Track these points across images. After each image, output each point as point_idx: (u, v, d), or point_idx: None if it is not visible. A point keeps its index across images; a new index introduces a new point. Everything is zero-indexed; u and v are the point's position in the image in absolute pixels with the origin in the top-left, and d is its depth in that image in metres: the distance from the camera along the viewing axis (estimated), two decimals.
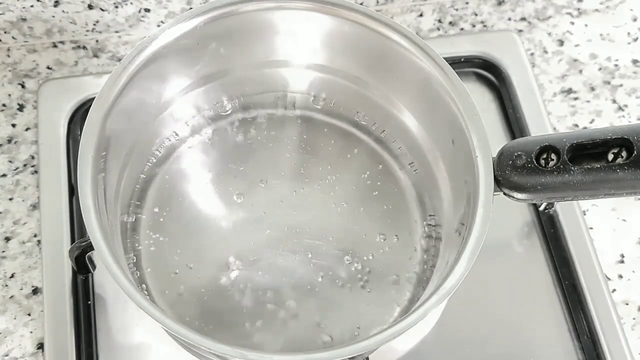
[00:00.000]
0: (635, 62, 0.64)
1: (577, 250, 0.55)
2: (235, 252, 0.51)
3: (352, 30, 0.50)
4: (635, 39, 0.65)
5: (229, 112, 0.55)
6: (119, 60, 0.60)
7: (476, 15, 0.66)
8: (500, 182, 0.45)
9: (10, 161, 0.58)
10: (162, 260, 0.50)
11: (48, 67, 0.62)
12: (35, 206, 0.56)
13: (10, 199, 0.57)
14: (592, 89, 0.63)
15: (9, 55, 0.63)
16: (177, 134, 0.54)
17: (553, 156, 0.44)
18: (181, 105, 0.53)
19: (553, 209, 0.56)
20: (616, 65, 0.64)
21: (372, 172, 0.54)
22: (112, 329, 0.52)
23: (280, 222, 0.52)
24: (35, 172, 0.58)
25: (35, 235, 0.55)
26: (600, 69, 0.64)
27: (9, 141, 0.59)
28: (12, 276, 0.54)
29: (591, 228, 0.57)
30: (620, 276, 0.56)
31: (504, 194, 0.45)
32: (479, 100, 0.61)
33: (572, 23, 0.66)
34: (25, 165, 0.58)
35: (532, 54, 0.64)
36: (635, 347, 0.53)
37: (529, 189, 0.44)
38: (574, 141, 0.43)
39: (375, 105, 0.54)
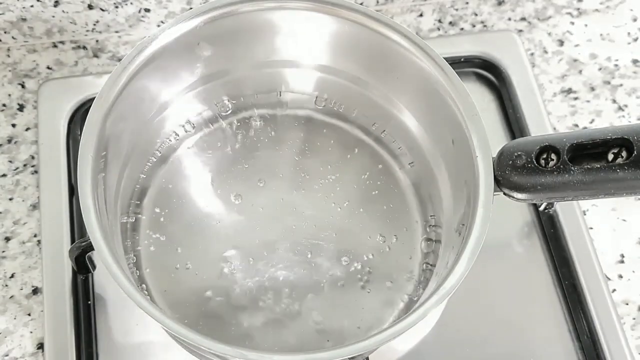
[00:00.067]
0: (635, 62, 0.64)
1: (577, 250, 0.55)
2: (236, 252, 0.51)
3: (352, 30, 0.50)
4: (635, 39, 0.65)
5: (229, 112, 0.55)
6: (119, 60, 0.60)
7: (476, 15, 0.66)
8: (500, 182, 0.45)
9: (10, 161, 0.58)
10: (162, 260, 0.50)
11: (48, 67, 0.62)
12: (35, 206, 0.56)
13: (10, 199, 0.57)
14: (592, 89, 0.63)
15: (9, 55, 0.63)
16: (177, 134, 0.54)
17: (553, 156, 0.44)
18: (181, 105, 0.53)
19: (553, 209, 0.56)
20: (616, 65, 0.64)
21: (372, 172, 0.54)
22: (112, 329, 0.52)
23: (281, 222, 0.52)
24: (35, 172, 0.58)
25: (35, 235, 0.55)
26: (600, 69, 0.64)
27: (9, 141, 0.59)
28: (12, 276, 0.54)
29: (591, 228, 0.57)
30: (620, 276, 0.56)
31: (504, 194, 0.45)
32: (479, 100, 0.61)
33: (572, 23, 0.66)
34: (25, 165, 0.58)
35: (532, 54, 0.64)
36: (635, 347, 0.53)
37: (529, 189, 0.44)
38: (574, 141, 0.43)
39: (375, 105, 0.54)
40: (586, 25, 0.66)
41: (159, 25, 0.64)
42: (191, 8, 0.59)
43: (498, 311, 0.53)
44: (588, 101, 0.62)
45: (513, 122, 0.60)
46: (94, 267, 0.53)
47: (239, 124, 0.55)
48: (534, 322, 0.53)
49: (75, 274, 0.53)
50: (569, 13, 0.66)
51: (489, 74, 0.62)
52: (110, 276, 0.41)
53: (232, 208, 0.52)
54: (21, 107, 0.61)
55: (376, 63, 0.52)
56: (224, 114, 0.55)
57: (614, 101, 0.62)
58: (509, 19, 0.66)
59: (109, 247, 0.42)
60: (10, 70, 0.62)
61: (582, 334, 0.53)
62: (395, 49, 0.49)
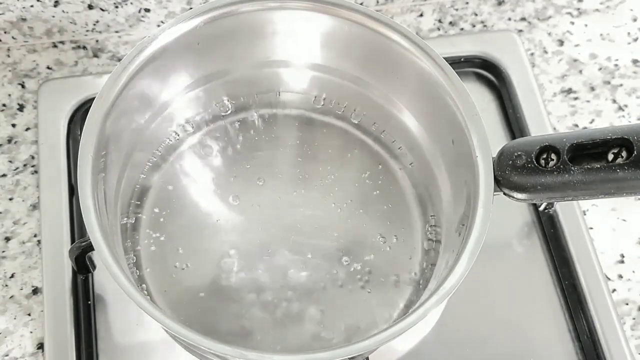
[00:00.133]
0: (635, 62, 0.64)
1: (577, 250, 0.55)
2: (236, 252, 0.51)
3: (352, 30, 0.50)
4: (635, 39, 0.65)
5: (229, 112, 0.55)
6: (119, 60, 0.60)
7: (476, 15, 0.66)
8: (500, 182, 0.45)
9: (10, 161, 0.58)
10: (162, 260, 0.50)
11: (48, 67, 0.62)
12: (35, 206, 0.56)
13: (10, 199, 0.57)
14: (592, 89, 0.63)
15: (9, 55, 0.63)
16: (177, 134, 0.54)
17: (553, 156, 0.44)
18: (181, 105, 0.53)
19: (553, 209, 0.56)
20: (616, 65, 0.64)
21: (372, 172, 0.54)
22: (112, 329, 0.52)
23: (280, 222, 0.52)
24: (35, 172, 0.58)
25: (35, 235, 0.55)
26: (600, 69, 0.64)
27: (9, 141, 0.59)
28: (12, 276, 0.54)
29: (591, 228, 0.57)
30: (620, 276, 0.56)
31: (504, 194, 0.45)
32: (479, 100, 0.61)
33: (572, 23, 0.66)
34: (25, 165, 0.58)
35: (532, 54, 0.64)
36: (635, 347, 0.53)
37: (529, 189, 0.44)
38: (574, 141, 0.43)
39: (375, 105, 0.54)
40: (586, 25, 0.66)
41: (159, 25, 0.64)
42: (191, 8, 0.59)
43: (498, 311, 0.53)
44: (588, 101, 0.62)
45: (513, 122, 0.60)
46: (94, 267, 0.53)
47: (238, 124, 0.55)
48: (534, 322, 0.53)
49: (75, 274, 0.53)
50: (569, 13, 0.66)
51: (489, 74, 0.62)
52: (110, 276, 0.41)
53: (232, 208, 0.52)
54: (21, 107, 0.61)
55: (376, 63, 0.52)
56: (223, 114, 0.55)
57: (614, 101, 0.62)
58: (509, 19, 0.66)
59: (109, 247, 0.42)
60: (10, 70, 0.62)
61: (582, 334, 0.53)
62: (395, 49, 0.49)
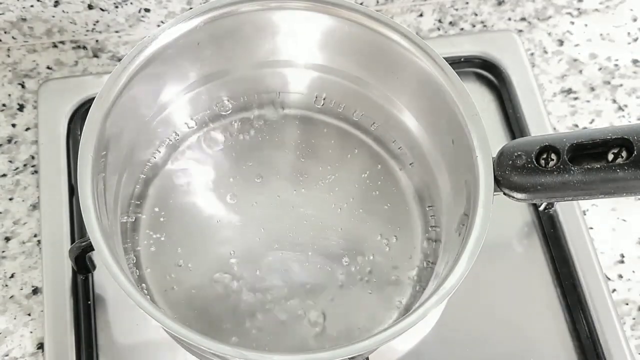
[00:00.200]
0: (635, 62, 0.64)
1: (577, 250, 0.55)
2: (236, 252, 0.51)
3: (352, 30, 0.50)
4: (635, 39, 0.65)
5: (229, 112, 0.55)
6: (119, 60, 0.60)
7: (476, 15, 0.66)
8: (500, 182, 0.45)
9: (10, 161, 0.58)
10: (162, 260, 0.50)
11: (48, 67, 0.62)
12: (35, 206, 0.56)
13: (10, 199, 0.57)
14: (592, 89, 0.63)
15: (9, 55, 0.63)
16: (177, 134, 0.54)
17: (553, 156, 0.44)
18: (181, 105, 0.53)
19: (553, 209, 0.56)
20: (616, 65, 0.64)
21: (372, 172, 0.54)
22: (112, 329, 0.52)
23: (281, 222, 0.52)
24: (35, 172, 0.58)
25: (35, 235, 0.55)
26: (600, 69, 0.64)
27: (9, 141, 0.59)
28: (12, 276, 0.54)
29: (591, 228, 0.57)
30: (620, 276, 0.56)
31: (504, 194, 0.45)
32: (479, 100, 0.61)
33: (572, 23, 0.66)
34: (25, 165, 0.58)
35: (532, 54, 0.64)
36: (635, 347, 0.53)
37: (529, 189, 0.44)
38: (574, 141, 0.43)
39: (375, 105, 0.54)
40: (586, 25, 0.66)
41: (159, 25, 0.64)
42: (191, 8, 0.59)
43: (498, 311, 0.53)
44: (588, 101, 0.62)
45: (513, 122, 0.60)
46: (94, 267, 0.53)
47: (239, 124, 0.55)
48: (534, 322, 0.53)
49: (75, 274, 0.53)
50: (569, 13, 0.66)
51: (489, 74, 0.62)
52: (110, 276, 0.41)
53: (232, 208, 0.52)
54: (21, 107, 0.61)
55: (376, 63, 0.52)
56: (223, 114, 0.55)
57: (614, 101, 0.62)
58: (509, 19, 0.66)
59: (109, 247, 0.42)
60: (10, 70, 0.62)
61: (582, 334, 0.53)
62: (395, 49, 0.49)
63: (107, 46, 0.64)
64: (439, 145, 0.51)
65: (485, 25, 0.66)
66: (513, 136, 0.60)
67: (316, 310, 0.49)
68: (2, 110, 0.60)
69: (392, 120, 0.54)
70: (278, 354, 0.43)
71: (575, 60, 0.64)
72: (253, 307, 0.49)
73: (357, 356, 0.41)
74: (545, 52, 0.64)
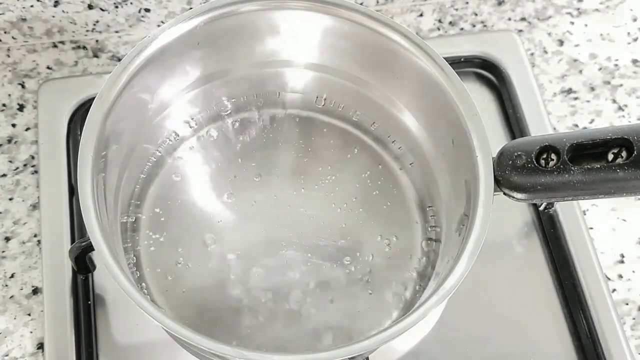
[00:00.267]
0: (635, 62, 0.64)
1: (577, 250, 0.55)
2: (236, 252, 0.51)
3: (352, 30, 0.50)
4: (635, 39, 0.65)
5: (229, 112, 0.55)
6: (119, 60, 0.60)
7: (476, 15, 0.66)
8: (500, 182, 0.45)
9: (10, 161, 0.58)
10: (162, 260, 0.50)
11: (48, 67, 0.62)
12: (35, 206, 0.56)
13: (10, 199, 0.57)
14: (592, 89, 0.63)
15: (9, 55, 0.63)
16: (177, 134, 0.54)
17: (553, 156, 0.44)
18: (181, 105, 0.53)
19: (553, 209, 0.56)
20: (616, 65, 0.64)
21: (372, 172, 0.54)
22: (112, 329, 0.52)
23: (281, 222, 0.52)
24: (35, 172, 0.58)
25: (35, 235, 0.55)
26: (600, 69, 0.64)
27: (9, 141, 0.59)
28: (12, 276, 0.54)
29: (591, 228, 0.57)
30: (620, 276, 0.56)
31: (504, 194, 0.45)
32: (479, 100, 0.61)
33: (572, 23, 0.66)
34: (25, 165, 0.58)
35: (532, 54, 0.64)
36: (635, 347, 0.53)
37: (529, 189, 0.44)
38: (574, 141, 0.43)
39: (375, 105, 0.54)
40: (586, 25, 0.66)
41: (159, 25, 0.64)
42: (191, 8, 0.59)
43: (498, 311, 0.53)
44: (588, 101, 0.62)
45: (513, 122, 0.60)
46: (94, 267, 0.53)
47: (239, 124, 0.55)
48: (534, 322, 0.53)
49: (75, 274, 0.53)
50: (569, 13, 0.66)
51: (489, 74, 0.62)
52: (110, 276, 0.41)
53: (232, 208, 0.52)
54: (21, 107, 0.61)
55: (376, 63, 0.52)
56: (223, 114, 0.55)
57: (614, 101, 0.62)
58: (509, 19, 0.66)
59: (109, 247, 0.42)
60: (10, 70, 0.62)
61: (582, 334, 0.53)
62: (395, 49, 0.49)
63: (107, 46, 0.64)
64: (439, 145, 0.51)
65: (485, 25, 0.66)
66: (513, 136, 0.60)
67: (316, 309, 0.49)
68: (2, 110, 0.60)
69: (392, 120, 0.54)
70: (278, 354, 0.43)
71: (575, 60, 0.64)
72: (253, 307, 0.49)
73: (357, 356, 0.41)
74: (545, 52, 0.65)
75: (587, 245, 0.55)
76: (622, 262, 0.56)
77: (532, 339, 0.53)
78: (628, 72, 0.64)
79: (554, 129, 0.61)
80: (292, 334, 0.49)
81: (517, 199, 0.45)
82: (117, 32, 0.64)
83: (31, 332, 0.52)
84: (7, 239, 0.55)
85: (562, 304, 0.54)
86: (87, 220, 0.42)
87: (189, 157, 0.54)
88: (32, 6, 0.60)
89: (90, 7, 0.61)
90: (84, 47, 0.63)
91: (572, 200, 0.49)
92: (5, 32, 0.62)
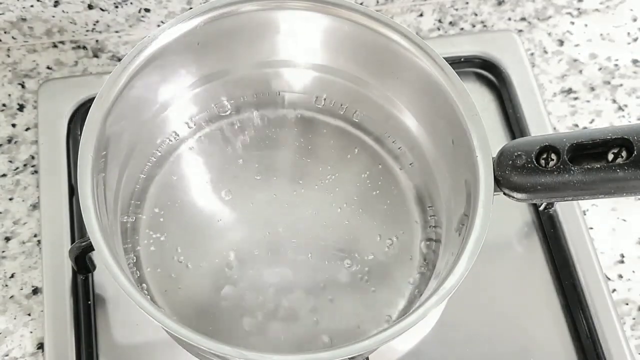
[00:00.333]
0: (635, 62, 0.64)
1: (577, 250, 0.55)
2: (236, 252, 0.51)
3: (352, 30, 0.50)
4: (635, 39, 0.65)
5: (229, 112, 0.55)
6: (119, 60, 0.60)
7: (476, 15, 0.66)
8: (500, 182, 0.45)
9: (10, 161, 0.58)
10: (162, 260, 0.50)
11: (48, 67, 0.62)
12: (35, 206, 0.56)
13: (10, 199, 0.57)
14: (592, 89, 0.63)
15: (9, 55, 0.63)
16: (177, 134, 0.54)
17: (553, 156, 0.44)
18: (181, 105, 0.53)
19: (553, 209, 0.56)
20: (616, 65, 0.64)
21: (372, 172, 0.54)
22: (112, 329, 0.52)
23: (281, 222, 0.52)
24: (35, 172, 0.58)
25: (35, 235, 0.55)
26: (600, 69, 0.64)
27: (9, 141, 0.59)
28: (12, 276, 0.54)
29: (591, 228, 0.57)
30: (620, 276, 0.56)
31: (504, 194, 0.45)
32: (479, 100, 0.61)
33: (572, 23, 0.66)
34: (25, 165, 0.58)
35: (532, 54, 0.64)
36: (635, 347, 0.53)
37: (529, 189, 0.44)
38: (574, 141, 0.43)
39: (375, 105, 0.54)
40: (586, 25, 0.66)
41: (159, 25, 0.64)
42: (191, 8, 0.59)
43: (498, 311, 0.53)
44: (588, 101, 0.62)
45: (513, 122, 0.60)
46: (94, 267, 0.53)
47: (239, 124, 0.55)
48: (534, 322, 0.53)
49: (75, 274, 0.53)
50: (569, 13, 0.66)
51: (489, 74, 0.62)
52: (110, 276, 0.41)
53: (231, 208, 0.52)
54: (21, 107, 0.61)
55: (376, 63, 0.52)
56: (223, 114, 0.55)
57: (614, 101, 0.62)
58: (509, 19, 0.66)
59: (109, 247, 0.42)
60: (10, 70, 0.62)
61: (582, 334, 0.53)
62: (395, 49, 0.49)
63: (107, 46, 0.64)
64: (439, 145, 0.51)
65: (485, 25, 0.66)
66: (513, 136, 0.60)
67: (316, 309, 0.49)
68: (2, 110, 0.60)
69: (392, 120, 0.54)
70: (278, 354, 0.43)
71: (575, 60, 0.64)
72: (253, 307, 0.49)
73: (357, 356, 0.41)
74: (545, 52, 0.65)
75: (587, 245, 0.55)
76: (622, 262, 0.56)
77: (532, 339, 0.53)
78: (628, 72, 0.64)
79: (554, 129, 0.61)
80: (292, 333, 0.49)
81: (517, 199, 0.45)
82: (117, 32, 0.64)
83: (31, 332, 0.52)
84: (7, 239, 0.55)
85: (562, 304, 0.54)
86: (87, 220, 0.42)
87: (189, 157, 0.54)
88: (32, 6, 0.60)
89: (90, 7, 0.61)
90: (84, 47, 0.63)
91: (572, 200, 0.49)
92: (5, 32, 0.62)
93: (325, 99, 0.55)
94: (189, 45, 0.50)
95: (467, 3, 0.66)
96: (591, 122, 0.61)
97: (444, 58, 0.48)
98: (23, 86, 0.61)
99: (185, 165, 0.54)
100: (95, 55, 0.63)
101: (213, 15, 0.49)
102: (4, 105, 0.61)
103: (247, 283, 0.50)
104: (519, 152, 0.44)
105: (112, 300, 0.53)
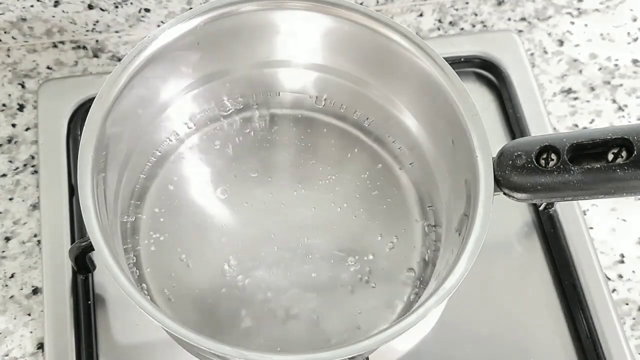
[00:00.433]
0: (635, 62, 0.64)
1: (577, 250, 0.55)
2: (236, 252, 0.51)
3: (352, 30, 0.50)
4: (635, 39, 0.65)
5: (229, 112, 0.55)
6: (119, 60, 0.60)
7: (476, 15, 0.66)
8: (500, 182, 0.45)
9: (10, 161, 0.58)
10: (162, 260, 0.50)
11: (48, 67, 0.62)
12: (35, 206, 0.56)
13: (10, 199, 0.57)
14: (592, 89, 0.63)
15: (9, 55, 0.63)
16: (177, 134, 0.54)
17: (553, 156, 0.44)
18: (181, 105, 0.53)
19: (553, 209, 0.56)
20: (616, 65, 0.64)
21: (372, 172, 0.54)
22: (112, 329, 0.52)
23: (281, 222, 0.52)
24: (35, 172, 0.58)
25: (35, 235, 0.55)
26: (600, 69, 0.64)
27: (9, 141, 0.59)
28: (12, 276, 0.54)
29: (591, 228, 0.57)
30: (620, 276, 0.56)
31: (504, 194, 0.45)
32: (479, 100, 0.61)
33: (572, 23, 0.66)
34: (25, 165, 0.58)
35: (532, 54, 0.64)
36: (635, 347, 0.53)
37: (529, 189, 0.44)
38: (574, 141, 0.43)
39: (375, 105, 0.54)
40: (586, 25, 0.66)
41: (159, 25, 0.64)
42: (191, 8, 0.59)
43: (498, 311, 0.53)
44: (588, 101, 0.62)
45: (513, 122, 0.60)
46: (94, 267, 0.53)
47: (239, 124, 0.55)
48: (534, 322, 0.53)
49: (75, 274, 0.53)
50: (569, 13, 0.66)
51: (489, 74, 0.62)
52: (110, 276, 0.41)
53: (231, 208, 0.52)
54: (21, 107, 0.61)
55: (376, 63, 0.52)
56: (223, 114, 0.55)
57: (614, 101, 0.62)
58: (509, 19, 0.66)
59: (109, 247, 0.42)
60: (10, 70, 0.62)
61: (582, 334, 0.53)
62: (395, 49, 0.49)
63: (107, 46, 0.64)
64: (439, 145, 0.51)
65: (485, 25, 0.66)
66: (513, 136, 0.60)
67: (316, 309, 0.49)
68: (2, 110, 0.60)
69: (392, 120, 0.54)
70: (278, 354, 0.43)
71: (575, 60, 0.64)
72: (253, 307, 0.49)
73: (357, 356, 0.41)
74: (545, 52, 0.65)
75: (587, 245, 0.55)
76: (622, 262, 0.56)
77: (532, 339, 0.53)
78: (628, 72, 0.64)
79: (554, 129, 0.61)
80: (291, 333, 0.49)
81: (517, 199, 0.45)
82: (117, 32, 0.64)
83: (31, 332, 0.52)
84: (7, 239, 0.55)
85: (562, 304, 0.54)
86: (87, 220, 0.42)
87: (189, 157, 0.54)
88: (32, 6, 0.60)
89: (90, 7, 0.61)
90: (84, 47, 0.63)
91: (572, 200, 0.49)
92: (5, 32, 0.62)
93: (325, 99, 0.55)
94: (189, 45, 0.50)
95: (467, 3, 0.66)
96: (591, 122, 0.61)
97: (444, 58, 0.48)
98: (23, 86, 0.61)
99: (185, 165, 0.54)
100: (95, 55, 0.63)
101: (213, 15, 0.49)
102: (4, 105, 0.61)
103: (247, 282, 0.50)
104: (519, 152, 0.44)
105: (112, 300, 0.53)
